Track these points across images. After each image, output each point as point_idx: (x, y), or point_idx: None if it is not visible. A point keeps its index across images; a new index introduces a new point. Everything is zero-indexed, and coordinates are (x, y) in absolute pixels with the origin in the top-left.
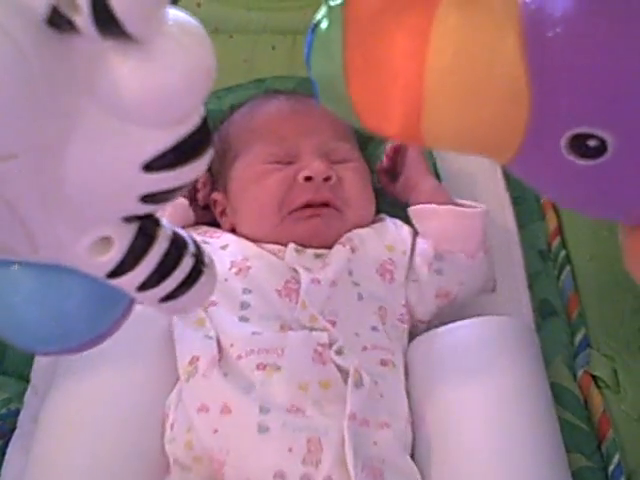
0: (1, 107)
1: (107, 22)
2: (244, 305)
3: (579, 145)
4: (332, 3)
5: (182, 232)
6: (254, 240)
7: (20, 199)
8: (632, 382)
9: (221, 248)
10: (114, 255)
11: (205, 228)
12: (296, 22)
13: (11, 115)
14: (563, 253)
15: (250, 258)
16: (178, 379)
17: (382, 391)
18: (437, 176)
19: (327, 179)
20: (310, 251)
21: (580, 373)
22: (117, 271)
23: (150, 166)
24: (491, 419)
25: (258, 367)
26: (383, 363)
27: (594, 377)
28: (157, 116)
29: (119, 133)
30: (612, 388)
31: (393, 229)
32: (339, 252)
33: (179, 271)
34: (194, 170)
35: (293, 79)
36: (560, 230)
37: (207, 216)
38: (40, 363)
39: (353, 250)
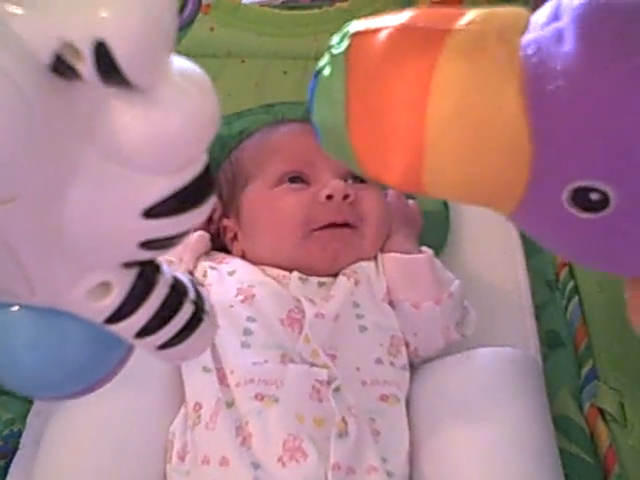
0: (2, 151)
1: (110, 71)
2: (247, 331)
3: (581, 198)
4: (335, 51)
5: (183, 277)
6: (263, 264)
7: (19, 242)
8: None
9: (229, 274)
10: (113, 300)
11: (217, 255)
12: (307, 48)
13: (12, 159)
14: (571, 284)
15: (255, 285)
16: (182, 403)
17: (379, 428)
18: (445, 205)
19: (346, 197)
20: (314, 280)
21: (587, 406)
22: (115, 317)
23: (151, 213)
24: (491, 456)
25: (256, 397)
26: (383, 398)
27: (601, 410)
28: (159, 164)
29: (120, 179)
30: (619, 422)
31: None
32: (343, 284)
33: (178, 318)
34: (195, 217)
35: (303, 105)
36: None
37: (219, 242)
38: None
39: (356, 283)
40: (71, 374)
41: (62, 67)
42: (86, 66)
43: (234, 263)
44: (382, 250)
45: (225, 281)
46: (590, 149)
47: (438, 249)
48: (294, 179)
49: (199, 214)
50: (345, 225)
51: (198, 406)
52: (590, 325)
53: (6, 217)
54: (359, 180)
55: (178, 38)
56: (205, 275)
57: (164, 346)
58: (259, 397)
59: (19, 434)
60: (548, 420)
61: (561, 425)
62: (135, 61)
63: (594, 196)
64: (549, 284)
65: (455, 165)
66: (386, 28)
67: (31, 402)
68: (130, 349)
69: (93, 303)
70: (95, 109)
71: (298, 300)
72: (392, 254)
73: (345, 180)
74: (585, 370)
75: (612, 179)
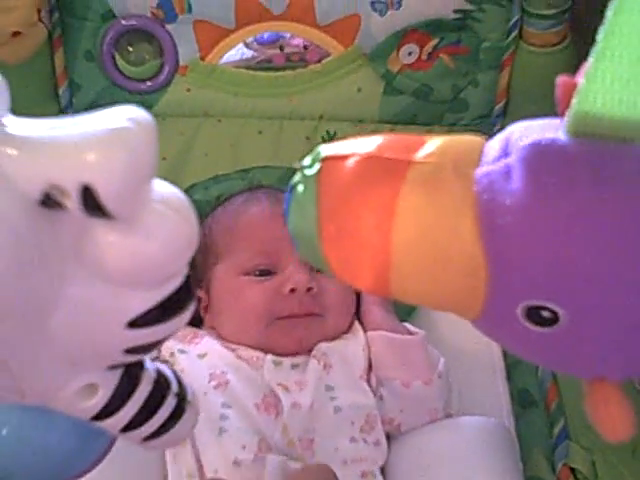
0: None
1: (94, 208)
2: (223, 417)
3: (533, 315)
4: (307, 172)
5: (166, 370)
6: (234, 342)
7: (10, 355)
8: (611, 475)
9: (199, 357)
10: (99, 400)
11: (186, 331)
12: (282, 108)
13: (5, 285)
14: None
15: (228, 371)
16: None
17: None
18: None
19: (309, 289)
20: (287, 362)
21: (559, 466)
22: (102, 414)
23: (135, 323)
24: None
25: None
26: (364, 475)
27: (573, 470)
28: (141, 281)
29: (105, 294)
30: None
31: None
32: (314, 369)
33: (162, 411)
34: (178, 323)
35: (278, 170)
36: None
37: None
38: None
39: (326, 366)
40: (56, 463)
41: (50, 202)
42: (72, 203)
43: (204, 343)
44: (364, 326)
45: (196, 365)
46: (537, 275)
47: (410, 312)
48: (258, 269)
49: (181, 320)
50: (308, 315)
51: None
52: (561, 384)
53: None
54: None
55: (156, 99)
56: (173, 356)
57: (149, 437)
58: None
59: None
60: None
61: None
62: (118, 199)
63: (545, 314)
64: None
65: (418, 282)
66: (354, 155)
67: None
68: (113, 439)
69: (80, 403)
70: (80, 234)
71: (272, 387)
72: (382, 333)
73: (311, 269)
74: (557, 429)
75: (557, 301)
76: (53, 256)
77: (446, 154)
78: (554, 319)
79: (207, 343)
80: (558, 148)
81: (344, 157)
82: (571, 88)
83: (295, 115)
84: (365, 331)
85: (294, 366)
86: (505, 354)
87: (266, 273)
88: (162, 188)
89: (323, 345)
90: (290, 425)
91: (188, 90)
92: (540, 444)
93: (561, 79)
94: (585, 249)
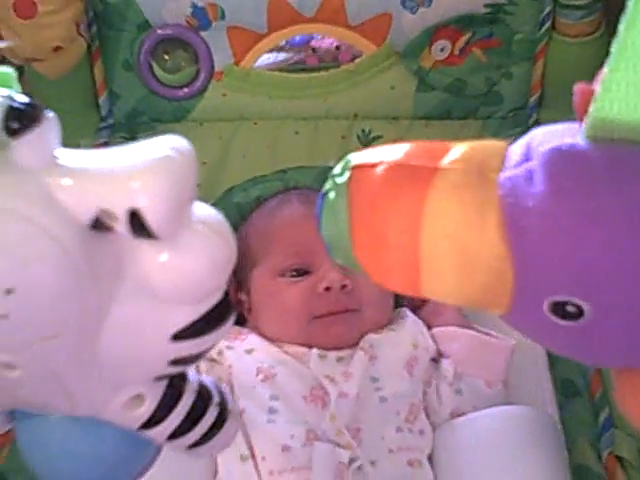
0: (50, 299)
1: (141, 230)
2: (272, 410)
3: (559, 309)
4: (338, 180)
5: (208, 382)
6: (278, 340)
7: (64, 368)
8: None
9: (246, 352)
10: (146, 410)
11: (232, 329)
12: (317, 108)
13: (59, 304)
14: None
15: (275, 365)
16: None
17: None
18: None
19: (344, 287)
20: (333, 355)
21: (605, 454)
22: (148, 424)
23: (179, 336)
24: None
25: None
26: (410, 464)
27: (619, 458)
28: (184, 297)
29: (151, 310)
30: (637, 469)
31: (414, 327)
32: (360, 360)
33: (205, 421)
34: (219, 334)
35: (314, 170)
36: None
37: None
38: None
39: (372, 358)
40: (107, 472)
41: (99, 225)
42: (121, 227)
43: (250, 340)
44: (430, 322)
45: (243, 360)
46: (559, 273)
47: None
48: (294, 270)
49: (222, 332)
50: (345, 311)
51: None
52: (604, 373)
53: (52, 349)
54: None
55: (193, 105)
56: (221, 354)
57: (193, 445)
58: None
59: None
60: (567, 476)
61: (580, 475)
62: (163, 221)
63: (570, 308)
64: None
65: (447, 283)
66: (382, 163)
67: None
68: (160, 447)
69: (128, 413)
70: (127, 253)
71: (319, 379)
72: (470, 332)
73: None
74: (602, 418)
75: (580, 296)
76: (103, 275)
77: (471, 160)
78: (579, 313)
79: (253, 340)
80: (577, 152)
81: (373, 165)
82: (588, 95)
83: (330, 115)
84: (430, 327)
85: (339, 359)
86: None
87: (302, 273)
88: (202, 210)
89: (371, 337)
90: (338, 414)
91: (224, 95)
92: (585, 433)
93: (579, 86)
94: (605, 249)
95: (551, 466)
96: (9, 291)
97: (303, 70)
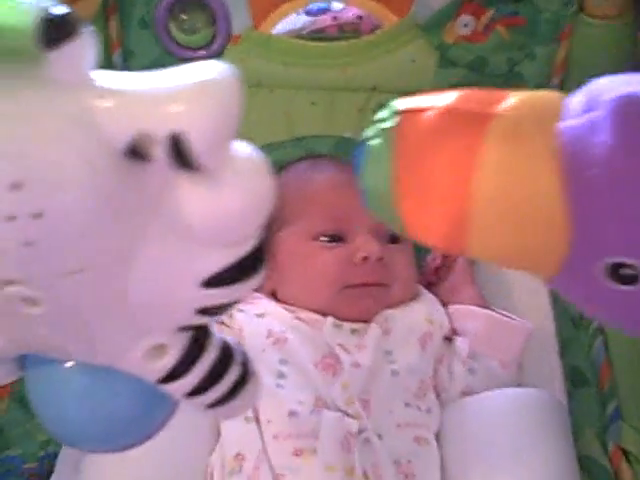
0: (79, 228)
1: (182, 158)
2: (280, 374)
3: (614, 272)
4: (384, 125)
5: (230, 341)
6: (296, 306)
7: (87, 309)
8: None
9: (257, 316)
10: (167, 362)
11: None
12: (335, 79)
13: (86, 234)
14: (595, 322)
15: (287, 330)
16: (215, 436)
17: (414, 470)
18: None
19: (380, 259)
20: (347, 326)
21: (611, 446)
22: (169, 377)
23: (210, 283)
24: None
25: (295, 453)
26: (417, 440)
27: (625, 451)
28: (219, 238)
29: (182, 252)
30: None
31: (430, 303)
32: (374, 334)
33: (226, 379)
34: (250, 284)
35: (331, 139)
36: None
37: None
38: None
39: (386, 332)
40: (120, 428)
41: (136, 153)
42: (160, 153)
43: (263, 304)
44: (449, 300)
45: (254, 323)
46: (621, 229)
47: None
48: (328, 236)
49: (253, 282)
50: (377, 284)
51: (240, 457)
52: (614, 365)
53: (77, 286)
54: (391, 240)
55: None
56: (231, 317)
57: (212, 405)
58: (298, 452)
59: (54, 456)
60: (574, 462)
61: (585, 466)
62: (206, 150)
63: (625, 271)
64: (574, 321)
65: (496, 236)
66: (432, 108)
67: None
68: (176, 404)
69: (149, 364)
70: (162, 187)
71: (332, 347)
72: (488, 312)
73: (379, 239)
74: (609, 409)
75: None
76: (135, 209)
77: (527, 107)
78: (634, 277)
79: (265, 304)
80: None
81: (422, 110)
82: None
83: (348, 86)
84: (445, 304)
85: (353, 331)
86: (558, 331)
87: (336, 239)
88: (242, 147)
89: (386, 311)
90: (350, 383)
91: (241, 60)
92: (592, 423)
93: None
94: None
95: (559, 451)
96: (38, 215)
97: (323, 39)
